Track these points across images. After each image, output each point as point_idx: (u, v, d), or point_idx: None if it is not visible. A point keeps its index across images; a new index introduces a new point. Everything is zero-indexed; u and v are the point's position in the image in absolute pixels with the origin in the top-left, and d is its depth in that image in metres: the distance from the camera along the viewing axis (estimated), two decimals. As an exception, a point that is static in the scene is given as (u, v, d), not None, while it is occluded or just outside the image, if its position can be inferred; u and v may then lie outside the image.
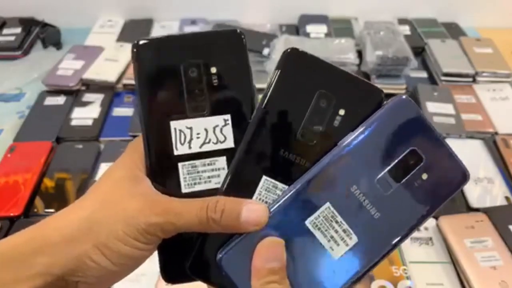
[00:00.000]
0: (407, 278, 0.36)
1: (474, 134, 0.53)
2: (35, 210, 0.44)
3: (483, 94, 0.58)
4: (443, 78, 0.60)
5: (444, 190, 0.15)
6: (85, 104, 0.57)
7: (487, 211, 0.41)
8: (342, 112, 0.16)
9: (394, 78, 0.59)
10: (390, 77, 0.59)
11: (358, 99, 0.16)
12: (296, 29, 0.72)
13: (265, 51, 0.61)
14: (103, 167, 0.48)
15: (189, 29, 0.72)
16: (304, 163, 0.16)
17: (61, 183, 0.46)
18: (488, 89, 0.59)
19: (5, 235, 0.40)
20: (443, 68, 0.61)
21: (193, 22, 0.73)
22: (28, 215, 0.43)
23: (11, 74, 0.64)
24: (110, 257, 0.17)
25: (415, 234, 0.41)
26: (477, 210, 0.43)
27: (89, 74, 0.61)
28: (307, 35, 0.69)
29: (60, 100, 0.58)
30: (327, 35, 0.69)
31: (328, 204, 0.15)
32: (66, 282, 0.17)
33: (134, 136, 0.52)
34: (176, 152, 0.18)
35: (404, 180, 0.15)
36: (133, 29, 0.73)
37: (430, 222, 0.41)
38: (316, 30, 0.70)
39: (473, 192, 0.45)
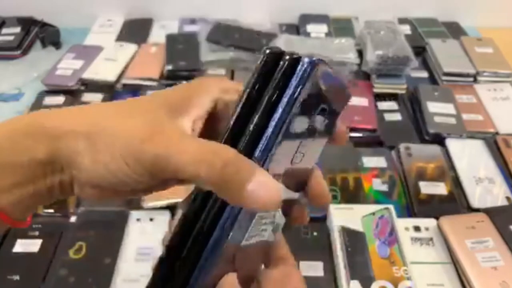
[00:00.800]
0: (408, 278, 0.36)
1: (475, 134, 0.52)
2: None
3: (484, 94, 0.58)
4: (443, 77, 0.60)
5: (336, 114, 0.17)
6: (85, 104, 0.57)
7: (488, 212, 0.41)
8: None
9: (394, 78, 0.59)
10: (391, 76, 0.59)
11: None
12: (297, 29, 0.72)
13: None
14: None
15: (188, 28, 0.72)
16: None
17: (60, 183, 0.46)
18: (489, 89, 0.59)
19: (4, 236, 0.40)
20: (443, 67, 0.60)
21: (193, 21, 0.73)
22: (27, 215, 0.43)
23: (10, 74, 0.64)
24: (98, 166, 0.15)
25: (416, 234, 0.41)
26: (477, 210, 0.43)
27: (89, 74, 0.60)
28: (307, 34, 0.69)
29: (60, 100, 0.58)
30: (328, 34, 0.69)
31: (256, 216, 0.16)
32: (61, 168, 0.16)
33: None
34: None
35: (316, 128, 0.16)
36: (133, 29, 0.72)
37: (431, 223, 0.41)
38: (317, 29, 0.70)
39: (474, 193, 0.45)
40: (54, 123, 0.16)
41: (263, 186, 0.14)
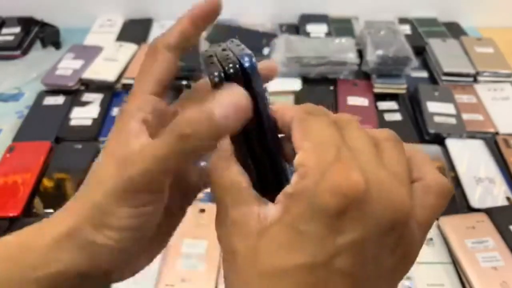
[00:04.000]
0: (408, 278, 0.36)
1: (475, 134, 0.52)
2: (34, 210, 0.43)
3: (484, 94, 0.58)
4: (444, 77, 0.60)
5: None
6: (84, 104, 0.57)
7: (488, 212, 0.41)
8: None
9: (394, 78, 0.59)
10: (391, 76, 0.59)
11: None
12: (296, 29, 0.71)
13: (265, 50, 0.61)
14: (103, 167, 0.47)
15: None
16: None
17: (60, 183, 0.46)
18: (489, 89, 0.59)
19: (4, 235, 0.40)
20: (444, 67, 0.60)
21: (193, 21, 0.73)
22: (27, 215, 0.43)
23: (10, 74, 0.64)
24: (109, 234, 0.15)
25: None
26: (478, 210, 0.43)
27: (88, 74, 0.60)
28: (307, 34, 0.69)
29: (59, 100, 0.58)
30: (328, 34, 0.69)
31: None
32: (88, 278, 0.15)
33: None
34: None
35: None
36: (133, 29, 0.72)
37: (431, 223, 0.41)
38: (317, 29, 0.70)
39: (474, 193, 0.45)
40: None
41: (226, 97, 0.14)
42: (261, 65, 0.17)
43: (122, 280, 0.17)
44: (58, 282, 0.15)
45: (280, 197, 0.14)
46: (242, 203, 0.14)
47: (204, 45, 0.63)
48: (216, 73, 0.15)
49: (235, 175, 0.14)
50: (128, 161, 0.14)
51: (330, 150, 0.13)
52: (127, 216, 0.15)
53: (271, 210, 0.13)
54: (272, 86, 0.62)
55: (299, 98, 0.58)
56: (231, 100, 0.14)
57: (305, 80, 0.60)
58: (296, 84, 0.60)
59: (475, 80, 0.60)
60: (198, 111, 0.14)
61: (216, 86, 0.15)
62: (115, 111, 0.56)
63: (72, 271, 0.15)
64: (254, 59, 0.16)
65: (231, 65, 0.15)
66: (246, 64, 0.16)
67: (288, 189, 0.13)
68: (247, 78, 0.15)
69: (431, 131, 0.52)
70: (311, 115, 0.15)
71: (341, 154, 0.13)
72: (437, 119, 0.53)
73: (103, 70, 0.61)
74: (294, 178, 0.13)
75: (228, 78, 0.15)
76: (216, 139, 0.14)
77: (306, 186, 0.13)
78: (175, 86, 0.59)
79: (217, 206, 0.15)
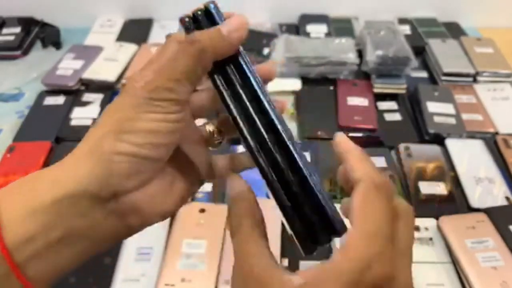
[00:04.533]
0: (408, 278, 0.36)
1: (475, 134, 0.52)
2: (35, 210, 0.43)
3: (483, 94, 0.58)
4: (443, 78, 0.60)
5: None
6: (85, 104, 0.57)
7: (488, 211, 0.41)
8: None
9: (394, 78, 0.59)
10: (391, 77, 0.59)
11: None
12: (296, 29, 0.72)
13: (265, 51, 0.61)
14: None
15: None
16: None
17: (60, 183, 0.46)
18: (489, 89, 0.59)
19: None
20: (443, 67, 0.60)
21: (193, 21, 0.73)
22: (28, 215, 0.43)
23: (11, 74, 0.64)
24: (134, 139, 0.16)
25: (416, 234, 0.40)
26: (477, 210, 0.43)
27: (89, 74, 0.60)
28: (307, 34, 0.69)
29: (60, 100, 0.58)
30: (328, 34, 0.69)
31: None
32: (105, 200, 0.16)
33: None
34: None
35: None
36: (133, 29, 0.72)
37: (431, 222, 0.41)
38: (316, 29, 0.70)
39: (474, 192, 0.45)
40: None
41: (231, 21, 0.19)
42: (260, 67, 0.19)
43: (139, 227, 0.18)
44: (71, 203, 0.16)
45: (312, 267, 0.15)
46: (268, 267, 0.15)
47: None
48: (186, 19, 0.20)
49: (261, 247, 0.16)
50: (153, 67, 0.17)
51: (379, 243, 0.15)
52: (152, 119, 0.16)
53: (296, 278, 0.15)
54: (272, 86, 0.62)
55: (299, 98, 0.58)
56: (233, 21, 0.19)
57: (305, 80, 0.61)
58: (296, 84, 0.60)
59: (475, 80, 0.60)
60: (210, 30, 0.18)
61: (187, 30, 0.19)
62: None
63: (88, 190, 0.16)
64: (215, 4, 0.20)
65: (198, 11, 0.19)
66: (211, 5, 0.20)
67: (327, 264, 0.15)
68: (212, 19, 0.19)
69: (431, 131, 0.52)
70: (377, 191, 0.16)
71: (387, 251, 0.15)
72: (436, 119, 0.53)
73: (104, 70, 0.61)
74: (338, 255, 0.15)
75: (196, 20, 0.19)
76: (223, 47, 0.18)
77: (348, 268, 0.14)
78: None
79: (238, 262, 0.16)
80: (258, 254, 0.16)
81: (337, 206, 0.43)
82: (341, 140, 0.17)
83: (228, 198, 0.18)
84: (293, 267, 0.37)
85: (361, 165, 0.16)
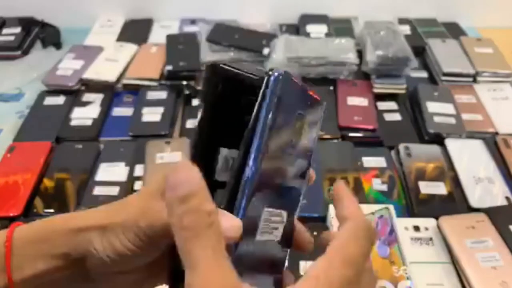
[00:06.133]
0: (408, 278, 0.36)
1: (475, 134, 0.53)
2: (35, 210, 0.43)
3: (483, 94, 0.58)
4: (443, 78, 0.60)
5: (316, 124, 0.19)
6: (85, 104, 0.57)
7: (488, 211, 0.41)
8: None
9: (394, 78, 0.59)
10: (391, 77, 0.59)
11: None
12: (296, 29, 0.72)
13: (265, 50, 0.61)
14: (103, 167, 0.48)
15: (189, 29, 0.72)
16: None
17: (60, 183, 0.46)
18: (489, 89, 0.59)
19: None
20: (443, 68, 0.60)
21: (193, 22, 0.73)
22: (28, 215, 0.43)
23: (11, 74, 0.64)
24: (107, 249, 0.17)
25: (416, 234, 0.41)
26: (477, 210, 0.43)
27: (89, 74, 0.60)
28: (307, 34, 0.69)
29: (60, 100, 0.58)
30: (327, 34, 0.69)
31: (265, 208, 0.17)
32: (84, 269, 0.18)
33: (134, 136, 0.53)
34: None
35: (299, 140, 0.18)
36: (133, 29, 0.72)
37: (431, 222, 0.41)
38: (316, 29, 0.70)
39: (474, 192, 0.45)
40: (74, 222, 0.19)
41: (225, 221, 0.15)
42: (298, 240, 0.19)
43: None
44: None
45: None
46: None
47: (204, 46, 0.64)
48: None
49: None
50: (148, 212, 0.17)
51: (353, 273, 0.15)
52: (125, 245, 0.18)
53: None
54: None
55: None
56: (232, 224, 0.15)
57: (305, 80, 0.61)
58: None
59: (475, 80, 0.60)
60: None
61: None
62: (115, 111, 0.56)
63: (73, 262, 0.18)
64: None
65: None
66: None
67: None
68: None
69: (431, 131, 0.52)
70: (364, 230, 0.17)
71: (355, 282, 0.16)
72: (436, 119, 0.53)
73: (104, 70, 0.61)
74: (303, 283, 0.15)
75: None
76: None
77: None
78: (176, 87, 0.60)
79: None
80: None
81: (333, 206, 0.42)
82: (340, 185, 0.19)
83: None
84: (293, 267, 0.37)
85: (353, 206, 0.17)
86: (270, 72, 0.16)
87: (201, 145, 0.18)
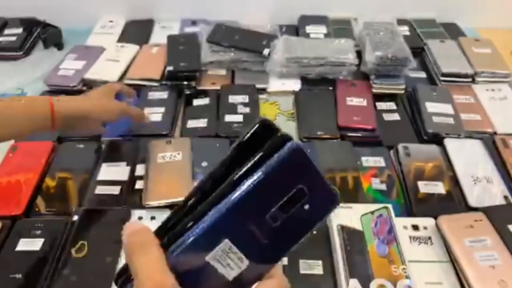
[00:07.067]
0: (407, 277, 0.36)
1: (473, 134, 0.53)
2: (37, 209, 0.44)
3: (482, 94, 0.59)
4: (442, 78, 0.61)
5: (321, 215, 0.19)
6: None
7: (486, 211, 0.41)
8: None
9: (393, 79, 0.59)
10: (390, 77, 0.59)
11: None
12: (296, 30, 0.72)
13: (265, 51, 0.62)
14: (105, 167, 0.48)
15: (189, 29, 0.72)
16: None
17: (62, 182, 0.47)
18: (487, 89, 0.59)
19: (7, 235, 0.40)
20: (442, 68, 0.61)
21: (194, 22, 0.74)
22: (30, 215, 0.43)
23: (13, 74, 0.64)
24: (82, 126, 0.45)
25: (415, 233, 0.41)
26: (476, 209, 0.43)
27: (90, 74, 0.61)
28: (307, 35, 0.69)
29: (61, 100, 0.58)
30: (327, 35, 0.69)
31: (226, 240, 0.18)
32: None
33: (135, 136, 0.53)
34: None
35: (290, 212, 0.18)
36: (134, 30, 0.73)
37: (429, 222, 0.42)
38: (316, 30, 0.70)
39: (472, 192, 0.45)
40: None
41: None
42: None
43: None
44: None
45: None
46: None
47: (205, 47, 0.64)
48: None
49: None
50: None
51: None
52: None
53: None
54: (273, 86, 0.63)
55: (299, 98, 0.59)
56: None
57: (305, 80, 0.61)
58: (295, 85, 0.61)
59: (473, 81, 0.61)
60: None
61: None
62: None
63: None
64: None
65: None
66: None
67: None
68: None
69: (430, 130, 0.52)
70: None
71: None
72: (435, 119, 0.54)
73: (105, 70, 0.61)
74: None
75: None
76: None
77: None
78: (176, 87, 0.60)
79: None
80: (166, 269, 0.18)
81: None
82: None
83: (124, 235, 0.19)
84: (293, 266, 0.37)
85: (278, 268, 0.19)
86: (288, 142, 0.17)
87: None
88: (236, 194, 0.17)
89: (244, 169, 0.18)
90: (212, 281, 0.18)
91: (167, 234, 0.18)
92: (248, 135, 0.18)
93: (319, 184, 0.19)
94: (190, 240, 0.18)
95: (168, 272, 0.17)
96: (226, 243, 0.18)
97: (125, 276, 0.18)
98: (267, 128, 0.18)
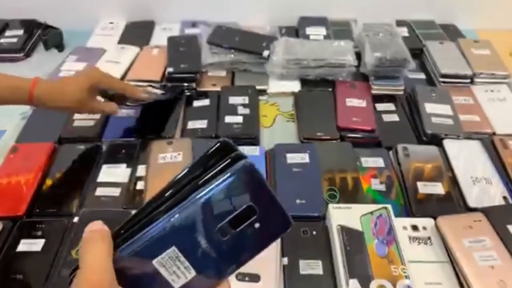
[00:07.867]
0: (406, 277, 0.36)
1: (472, 134, 0.53)
2: (37, 210, 0.44)
3: (481, 95, 0.59)
4: (441, 79, 0.61)
5: (271, 236, 0.20)
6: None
7: (485, 211, 0.41)
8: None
9: (392, 80, 0.59)
10: (389, 78, 0.60)
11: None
12: (296, 31, 0.72)
13: (265, 53, 0.62)
14: (105, 168, 0.48)
15: (190, 31, 0.72)
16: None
17: (63, 183, 0.47)
18: (486, 90, 0.60)
19: (7, 236, 0.41)
20: (441, 69, 0.61)
21: (194, 24, 0.74)
22: (30, 216, 0.43)
23: (13, 76, 0.64)
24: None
25: (414, 233, 0.41)
26: (475, 210, 0.43)
27: (91, 76, 0.61)
28: (306, 37, 0.69)
29: (62, 101, 0.58)
30: (326, 37, 0.70)
31: (173, 247, 0.19)
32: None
33: (136, 137, 0.53)
34: None
35: (239, 228, 0.19)
36: (135, 31, 0.73)
37: (429, 222, 0.42)
38: (315, 32, 0.70)
39: (471, 192, 0.45)
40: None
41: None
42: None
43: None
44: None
45: None
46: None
47: (205, 48, 0.64)
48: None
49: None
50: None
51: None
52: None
53: None
54: (272, 87, 0.63)
55: (298, 99, 0.59)
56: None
57: (304, 81, 0.61)
58: (295, 86, 0.61)
59: (472, 82, 0.61)
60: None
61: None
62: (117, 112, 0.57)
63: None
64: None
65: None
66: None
67: None
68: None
69: (429, 131, 0.52)
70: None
71: None
72: (434, 120, 0.54)
73: (106, 72, 0.62)
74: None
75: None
76: None
77: None
78: (177, 88, 0.60)
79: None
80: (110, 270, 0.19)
81: (335, 205, 0.42)
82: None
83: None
84: (293, 266, 0.38)
85: (227, 286, 0.20)
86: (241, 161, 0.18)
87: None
88: (186, 204, 0.18)
89: (197, 183, 0.18)
90: (157, 285, 0.19)
91: (123, 235, 0.19)
92: (209, 152, 0.19)
93: (272, 205, 0.19)
94: (138, 242, 0.18)
95: (110, 269, 0.18)
96: (173, 250, 0.18)
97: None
98: (228, 148, 0.19)
